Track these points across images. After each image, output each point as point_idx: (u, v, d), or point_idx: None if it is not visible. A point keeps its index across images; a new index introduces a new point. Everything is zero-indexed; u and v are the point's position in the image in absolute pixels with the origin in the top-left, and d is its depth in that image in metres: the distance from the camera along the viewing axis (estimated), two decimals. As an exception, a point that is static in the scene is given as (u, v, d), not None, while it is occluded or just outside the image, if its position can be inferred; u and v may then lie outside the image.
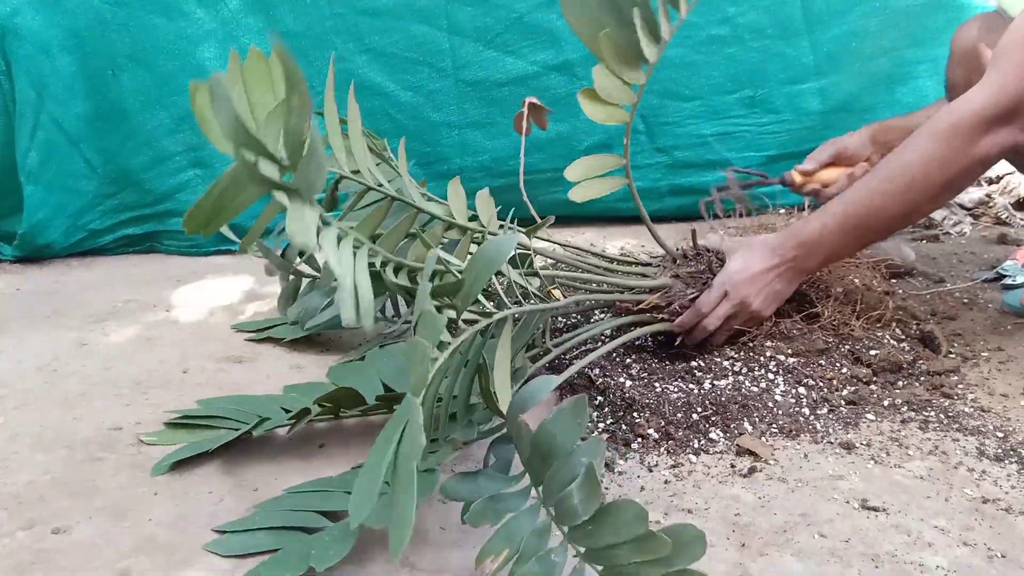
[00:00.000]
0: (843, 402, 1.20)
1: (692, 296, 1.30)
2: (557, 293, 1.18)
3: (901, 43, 2.15)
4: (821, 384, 1.23)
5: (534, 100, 1.32)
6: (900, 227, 1.30)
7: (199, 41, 2.06)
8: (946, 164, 1.18)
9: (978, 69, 1.37)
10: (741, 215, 1.75)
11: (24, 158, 2.05)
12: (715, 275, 1.30)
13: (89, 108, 2.06)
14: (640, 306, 1.31)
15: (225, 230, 1.37)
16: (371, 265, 1.18)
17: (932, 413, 1.17)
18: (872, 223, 1.23)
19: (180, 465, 1.09)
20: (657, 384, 1.23)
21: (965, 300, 1.57)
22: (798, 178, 1.73)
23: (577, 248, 1.47)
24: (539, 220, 1.34)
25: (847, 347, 1.31)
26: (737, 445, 1.11)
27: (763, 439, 1.12)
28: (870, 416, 1.17)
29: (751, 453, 1.09)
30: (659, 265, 1.39)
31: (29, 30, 1.98)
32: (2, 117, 2.06)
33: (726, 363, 1.27)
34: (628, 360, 1.30)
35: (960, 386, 1.25)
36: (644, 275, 1.38)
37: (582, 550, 0.76)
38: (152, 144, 2.11)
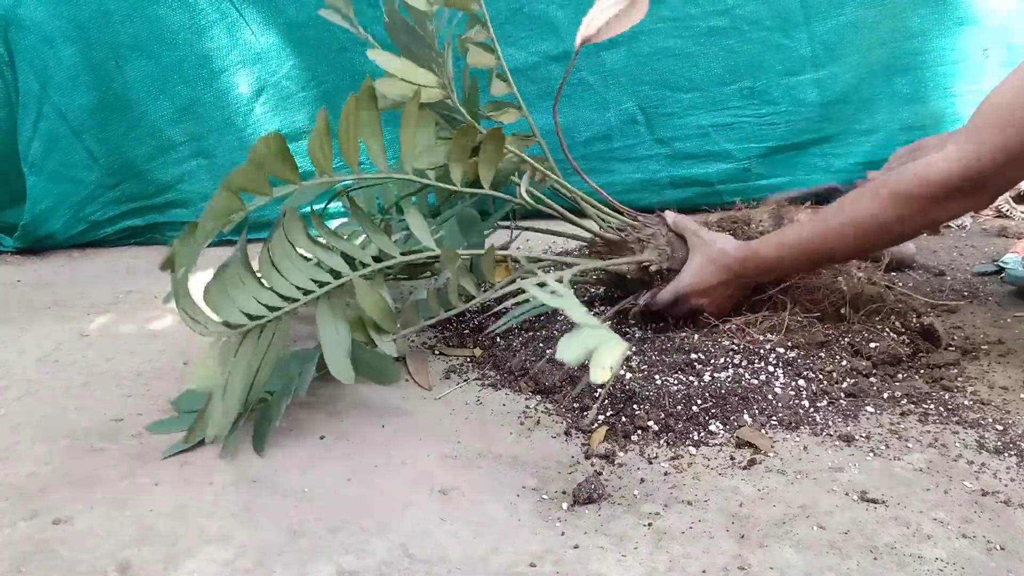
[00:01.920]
0: (843, 395, 1.20)
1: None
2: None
3: (899, 34, 2.14)
4: (821, 377, 1.23)
5: None
6: (848, 261, 1.41)
7: (202, 31, 2.06)
8: (904, 223, 1.21)
9: None
10: (739, 209, 1.72)
11: (27, 149, 2.05)
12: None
13: (92, 99, 2.06)
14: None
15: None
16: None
17: (932, 406, 1.17)
18: (824, 258, 1.32)
19: (181, 456, 1.09)
20: (657, 376, 1.23)
21: (965, 293, 1.57)
22: None
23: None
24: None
25: (847, 340, 1.31)
26: (737, 437, 1.11)
27: (763, 431, 1.12)
28: (869, 409, 1.17)
29: (751, 445, 1.09)
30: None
31: (32, 20, 1.98)
32: (5, 108, 2.06)
33: (726, 356, 1.27)
34: (628, 352, 1.31)
35: (960, 379, 1.25)
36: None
37: None
38: (155, 134, 2.11)
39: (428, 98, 1.35)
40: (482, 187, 1.37)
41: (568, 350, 0.83)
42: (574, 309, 0.91)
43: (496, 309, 1.37)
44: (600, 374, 0.81)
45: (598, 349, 0.84)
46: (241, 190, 1.17)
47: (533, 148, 1.49)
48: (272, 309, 1.19)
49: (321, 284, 1.23)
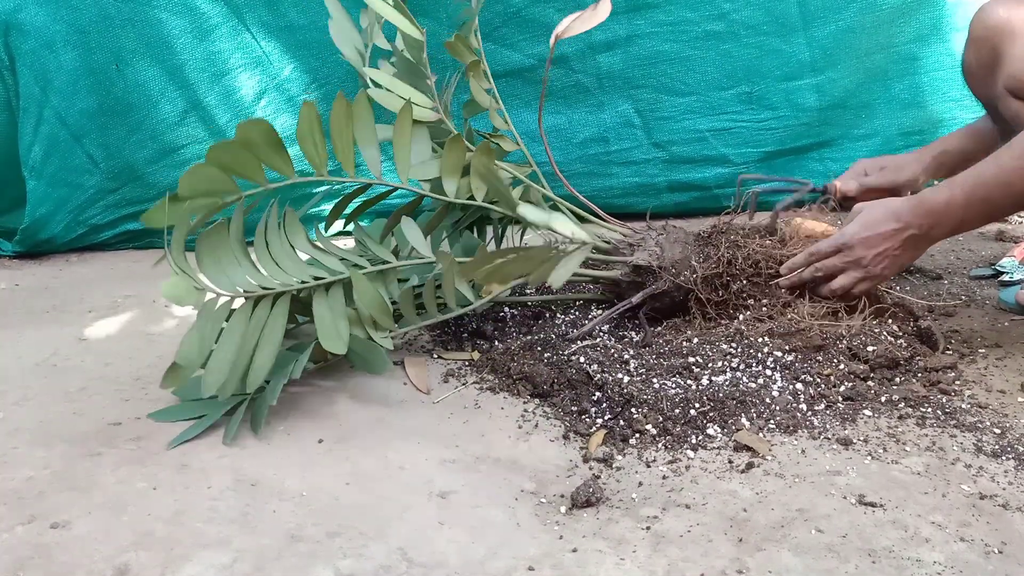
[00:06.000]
0: (840, 398, 1.21)
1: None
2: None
3: (897, 39, 2.15)
4: (818, 380, 1.23)
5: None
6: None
7: (204, 35, 2.07)
8: None
9: (1001, 49, 1.35)
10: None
11: (27, 153, 2.05)
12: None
13: (93, 103, 2.07)
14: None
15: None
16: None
17: (929, 409, 1.17)
18: (998, 198, 1.24)
19: (179, 459, 1.09)
20: (655, 380, 1.23)
21: (963, 297, 1.58)
22: (839, 193, 1.65)
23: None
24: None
25: (844, 343, 1.31)
26: (735, 441, 1.11)
27: (761, 435, 1.12)
28: (867, 412, 1.17)
29: (749, 449, 1.09)
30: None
31: (33, 25, 1.99)
32: (5, 112, 2.06)
33: (723, 359, 1.27)
34: (626, 356, 1.31)
35: (957, 382, 1.25)
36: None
37: None
38: (156, 138, 2.11)
39: (422, 117, 1.42)
40: (475, 200, 1.41)
41: (531, 212, 1.07)
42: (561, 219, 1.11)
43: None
44: (563, 227, 1.07)
45: (555, 217, 1.09)
46: (229, 171, 1.20)
47: (532, 169, 1.55)
48: (267, 289, 1.22)
49: (318, 279, 1.26)
